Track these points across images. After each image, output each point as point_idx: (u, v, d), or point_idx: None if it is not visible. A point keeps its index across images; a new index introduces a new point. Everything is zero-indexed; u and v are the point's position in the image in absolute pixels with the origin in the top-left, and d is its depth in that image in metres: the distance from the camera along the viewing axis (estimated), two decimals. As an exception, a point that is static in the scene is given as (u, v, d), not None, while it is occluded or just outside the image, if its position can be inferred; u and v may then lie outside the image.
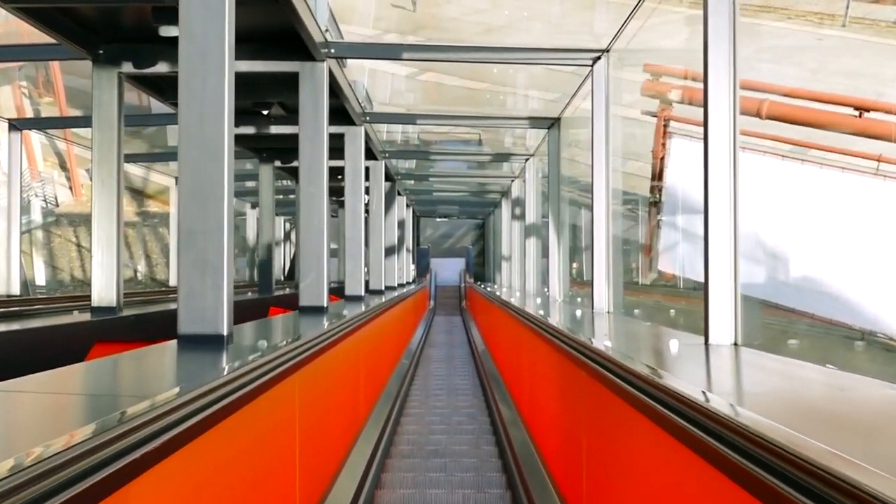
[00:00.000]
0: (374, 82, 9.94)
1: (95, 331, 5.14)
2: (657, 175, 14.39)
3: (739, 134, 3.11)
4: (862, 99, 13.07)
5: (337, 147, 8.02)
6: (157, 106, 8.73)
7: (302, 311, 5.34)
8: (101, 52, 5.46)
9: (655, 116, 14.09)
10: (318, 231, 5.41)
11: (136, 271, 22.59)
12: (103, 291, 5.44)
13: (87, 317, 5.48)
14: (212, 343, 3.00)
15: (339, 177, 8.12)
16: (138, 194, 24.32)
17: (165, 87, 6.67)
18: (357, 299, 7.68)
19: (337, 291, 9.14)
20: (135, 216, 24.09)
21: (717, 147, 3.07)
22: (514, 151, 10.74)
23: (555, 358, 3.45)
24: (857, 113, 12.76)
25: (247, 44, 5.55)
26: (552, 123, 7.79)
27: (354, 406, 4.87)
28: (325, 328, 3.81)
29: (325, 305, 5.37)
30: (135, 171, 23.22)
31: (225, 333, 3.03)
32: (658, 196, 14.31)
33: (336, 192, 11.51)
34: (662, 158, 14.22)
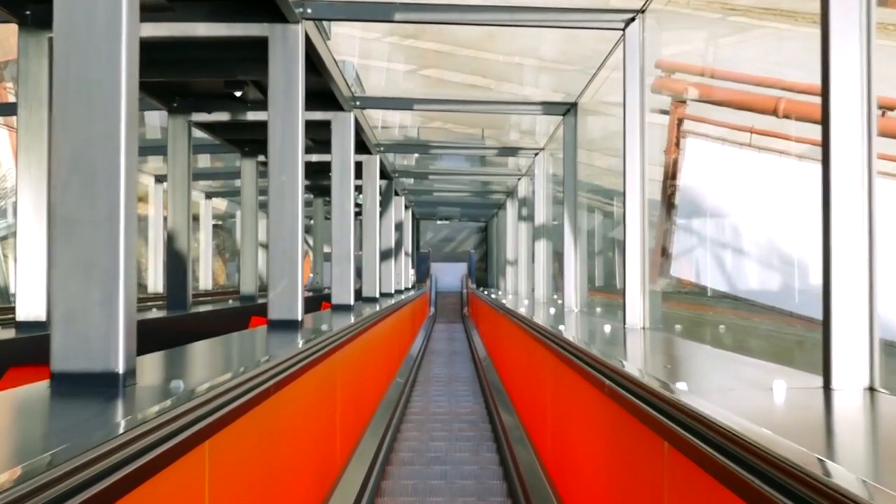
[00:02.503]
0: (367, 77, 9.03)
1: (12, 352, 4.18)
2: (671, 175, 13.50)
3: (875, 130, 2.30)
4: (886, 97, 12.24)
5: (326, 140, 7.09)
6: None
7: (272, 327, 4.38)
8: (28, 13, 4.51)
9: (667, 114, 13.23)
10: (291, 230, 4.45)
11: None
12: (30, 303, 4.48)
13: (10, 334, 4.52)
14: (101, 385, 2.05)
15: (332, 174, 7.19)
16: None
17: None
18: (345, 308, 6.72)
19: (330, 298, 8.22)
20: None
21: (844, 153, 2.22)
22: (521, 145, 9.79)
23: (598, 400, 2.49)
24: (880, 112, 11.91)
25: (206, 3, 4.61)
26: (568, 110, 6.85)
27: (325, 455, 3.88)
28: (288, 354, 2.85)
29: (300, 319, 4.41)
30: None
31: (121, 371, 2.07)
32: (672, 197, 13.44)
33: (329, 192, 10.53)
34: (676, 159, 13.35)
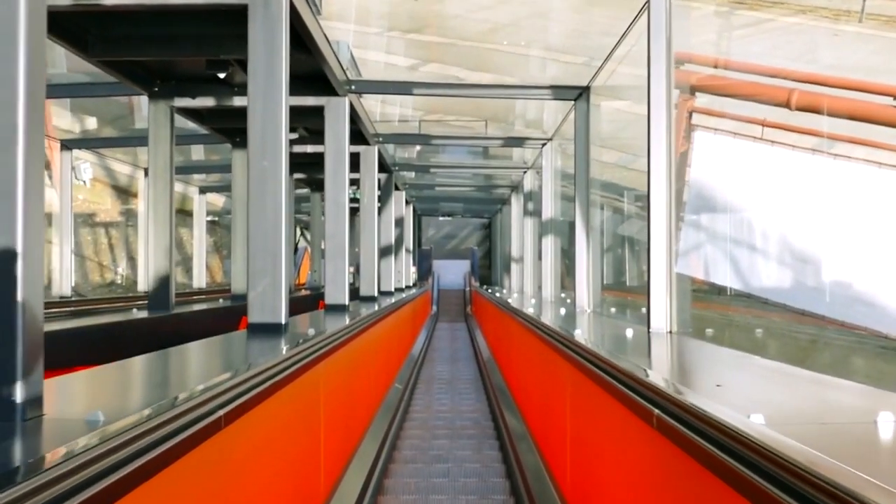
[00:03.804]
0: (366, 74, 8.56)
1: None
2: (679, 169, 13.05)
3: None
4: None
5: (322, 130, 6.59)
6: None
7: (252, 331, 3.89)
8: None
9: (676, 107, 12.76)
10: (274, 221, 3.96)
11: (116, 273, 21.16)
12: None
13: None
14: (-8, 418, 1.55)
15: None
16: (123, 192, 22.88)
17: (72, 28, 5.13)
18: (339, 309, 6.22)
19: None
20: (118, 215, 22.64)
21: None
22: (528, 135, 9.27)
23: (642, 432, 1.97)
24: (897, 103, 11.52)
25: (178, -33, 4.12)
26: (580, 94, 6.34)
27: (305, 487, 3.35)
28: (250, 372, 2.34)
29: (284, 322, 3.92)
30: (120, 168, 21.82)
31: (19, 399, 1.58)
32: (680, 192, 12.98)
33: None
34: (685, 152, 12.91)
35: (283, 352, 2.74)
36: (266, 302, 3.90)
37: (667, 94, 4.23)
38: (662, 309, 4.01)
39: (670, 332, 3.98)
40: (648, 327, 4.01)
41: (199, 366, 2.65)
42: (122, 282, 20.72)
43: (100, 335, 5.36)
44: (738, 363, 2.65)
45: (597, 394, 2.59)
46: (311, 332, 3.93)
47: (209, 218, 19.31)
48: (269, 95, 3.93)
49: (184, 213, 20.91)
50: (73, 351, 4.87)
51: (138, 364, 2.39)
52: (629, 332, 3.97)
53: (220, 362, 2.80)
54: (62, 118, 20.04)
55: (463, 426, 7.70)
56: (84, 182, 23.63)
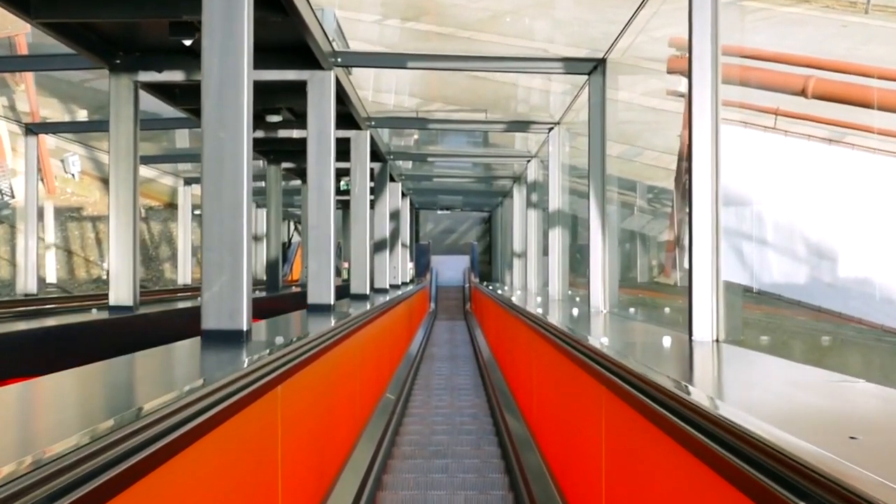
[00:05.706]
0: (361, 71, 7.90)
1: None
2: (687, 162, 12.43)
3: None
4: (926, 75, 11.32)
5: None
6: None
7: (207, 339, 3.18)
8: None
9: (682, 97, 12.14)
10: (233, 205, 3.23)
11: (102, 268, 20.44)
12: None
13: None
14: None
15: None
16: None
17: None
18: (323, 310, 5.51)
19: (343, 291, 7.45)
20: (107, 209, 21.90)
21: None
22: (532, 119, 8.56)
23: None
24: (921, 92, 10.95)
25: None
26: (595, 67, 5.62)
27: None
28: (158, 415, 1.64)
29: (246, 328, 3.21)
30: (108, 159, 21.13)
31: None
32: (687, 186, 12.36)
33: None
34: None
35: (230, 373, 2.02)
36: (223, 304, 3.19)
37: (713, 71, 3.52)
38: (707, 314, 3.31)
39: (716, 340, 3.29)
40: (690, 335, 3.31)
41: (97, 400, 1.92)
42: (108, 277, 20.04)
43: (45, 340, 4.66)
44: (842, 392, 1.94)
45: (659, 441, 1.87)
46: (280, 339, 3.22)
47: (199, 212, 18.60)
48: (227, 50, 3.20)
49: (175, 207, 20.22)
50: (5, 360, 4.16)
51: (14, 394, 1.68)
52: (667, 342, 3.27)
53: (127, 398, 2.08)
54: (52, 109, 19.31)
55: (462, 422, 7.37)
56: (73, 175, 22.92)
